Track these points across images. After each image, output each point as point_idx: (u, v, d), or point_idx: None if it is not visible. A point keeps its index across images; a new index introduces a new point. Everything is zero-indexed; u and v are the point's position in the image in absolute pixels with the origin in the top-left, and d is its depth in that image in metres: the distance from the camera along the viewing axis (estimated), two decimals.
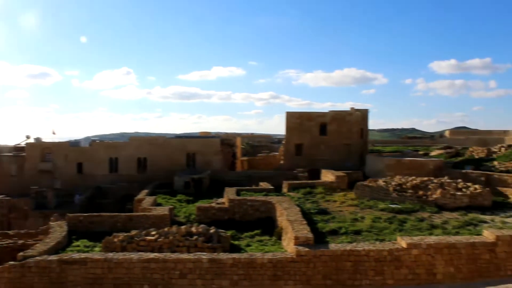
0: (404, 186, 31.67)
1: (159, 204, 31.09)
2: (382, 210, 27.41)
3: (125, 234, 20.96)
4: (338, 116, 54.86)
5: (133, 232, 21.17)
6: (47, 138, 56.90)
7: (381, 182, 33.24)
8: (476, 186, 30.95)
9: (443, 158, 52.70)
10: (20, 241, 23.69)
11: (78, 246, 21.75)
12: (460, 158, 54.13)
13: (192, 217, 28.00)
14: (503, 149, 54.16)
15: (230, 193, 30.56)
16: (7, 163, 49.04)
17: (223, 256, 17.50)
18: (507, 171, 39.01)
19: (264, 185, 37.49)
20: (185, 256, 17.62)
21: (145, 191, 36.41)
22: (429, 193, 29.94)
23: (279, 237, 22.39)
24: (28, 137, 54.82)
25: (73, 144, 51.66)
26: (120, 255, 17.86)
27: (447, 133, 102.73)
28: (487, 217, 25.58)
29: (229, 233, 22.62)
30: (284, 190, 36.68)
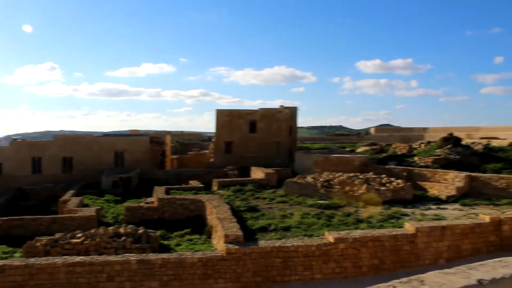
0: (331, 182, 32.50)
1: (86, 205, 30.11)
2: (310, 206, 27.97)
3: (49, 237, 20.08)
4: (267, 114, 55.47)
5: (58, 235, 20.30)
6: None
7: (309, 178, 33.94)
8: (399, 181, 32.32)
9: (368, 154, 54.64)
10: None
11: None
12: (384, 154, 56.23)
13: (120, 217, 27.34)
14: (422, 145, 56.89)
15: (159, 192, 30.11)
16: None
17: (152, 256, 17.17)
18: (426, 166, 41.04)
19: (194, 183, 37.26)
20: (112, 258, 17.11)
21: (71, 192, 35.14)
22: (355, 188, 30.91)
23: (209, 236, 22.30)
24: None
25: None
26: (42, 260, 17.05)
27: (372, 130, 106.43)
28: (408, 210, 26.78)
29: (158, 232, 22.26)
30: (214, 188, 36.62)
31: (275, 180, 38.38)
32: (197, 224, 24.97)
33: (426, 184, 35.75)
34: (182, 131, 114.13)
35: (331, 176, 34.12)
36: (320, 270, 17.58)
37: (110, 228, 21.02)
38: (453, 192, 31.90)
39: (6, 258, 19.29)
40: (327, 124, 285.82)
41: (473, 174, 34.99)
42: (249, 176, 43.77)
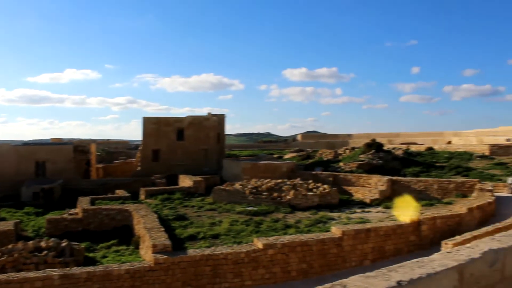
0: (259, 189, 32.78)
1: (3, 219, 28.50)
2: (239, 213, 28.05)
3: None
4: (195, 121, 55.21)
5: None
6: None
7: (237, 185, 34.06)
8: (325, 186, 33.13)
9: (295, 160, 55.67)
10: None
11: None
12: (311, 160, 57.51)
13: (42, 230, 26.09)
14: (347, 151, 58.76)
15: (84, 202, 29.09)
16: None
17: (76, 270, 16.51)
18: (351, 171, 42.43)
19: (120, 192, 36.30)
20: (32, 274, 16.26)
21: None
22: (283, 194, 31.35)
23: (137, 246, 21.80)
24: None
25: None
26: None
27: (299, 137, 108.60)
28: (334, 215, 27.51)
29: (83, 245, 21.46)
30: (142, 197, 35.91)
31: (203, 188, 38.19)
32: (124, 235, 24.32)
33: (351, 189, 36.90)
34: (108, 139, 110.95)
35: (259, 182, 34.41)
36: (250, 277, 17.65)
37: (30, 242, 20.01)
38: (377, 196, 33.15)
39: None
40: (255, 131, 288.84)
41: (394, 178, 36.54)
42: (177, 184, 43.25)
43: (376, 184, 35.83)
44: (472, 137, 79.94)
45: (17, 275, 16.09)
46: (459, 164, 49.91)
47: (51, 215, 28.31)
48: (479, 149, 59.70)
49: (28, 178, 43.58)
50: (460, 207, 23.99)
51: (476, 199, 26.69)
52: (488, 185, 31.98)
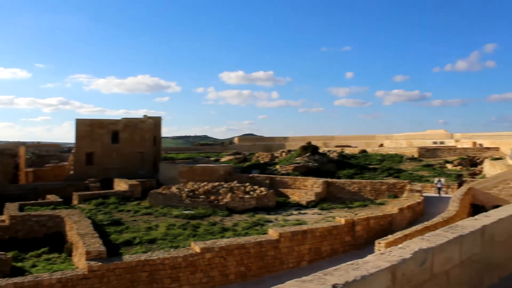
0: (197, 192, 32.56)
1: None
2: (176, 217, 27.73)
3: None
4: (130, 124, 54.11)
5: None
6: None
7: (174, 189, 33.67)
8: (262, 188, 33.37)
9: (232, 163, 55.73)
10: None
11: None
12: (247, 163, 57.81)
13: None
14: (284, 154, 59.51)
15: (11, 209, 27.75)
16: None
17: (2, 282, 15.70)
18: (288, 174, 42.98)
19: (52, 198, 34.93)
20: None
21: None
22: (220, 197, 31.28)
23: (70, 254, 21.04)
24: None
25: None
26: None
27: (236, 140, 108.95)
28: (271, 217, 27.75)
29: (10, 254, 20.41)
30: (75, 202, 34.76)
31: (139, 192, 37.50)
32: (56, 242, 23.40)
33: (288, 191, 37.37)
34: (38, 142, 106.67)
35: (196, 186, 34.19)
36: (188, 281, 17.47)
37: None
38: (313, 198, 33.74)
39: None
40: (192, 134, 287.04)
41: (329, 180, 37.37)
42: (112, 188, 42.22)
43: (312, 186, 36.47)
44: (402, 140, 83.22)
45: None
46: (390, 166, 51.79)
47: None
48: (409, 152, 62.27)
49: None
50: (392, 208, 24.87)
51: (407, 200, 27.77)
52: (417, 185, 33.38)
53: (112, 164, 50.85)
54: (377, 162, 56.44)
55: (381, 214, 23.21)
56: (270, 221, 26.31)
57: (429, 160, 57.35)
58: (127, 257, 17.45)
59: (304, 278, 2.53)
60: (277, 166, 49.18)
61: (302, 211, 30.00)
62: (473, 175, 44.88)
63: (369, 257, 3.21)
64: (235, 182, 36.07)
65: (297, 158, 51.25)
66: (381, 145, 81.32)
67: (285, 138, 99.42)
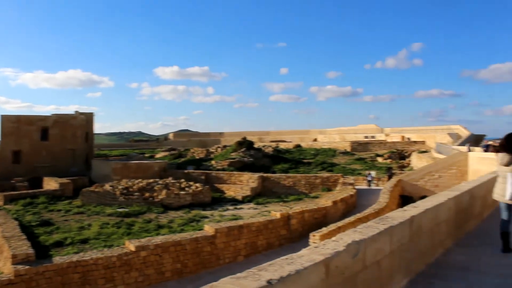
0: (131, 189, 31.92)
1: None
2: (109, 215, 27.05)
3: None
4: (61, 120, 52.22)
5: None
6: None
7: (107, 186, 32.84)
8: (198, 184, 33.20)
9: (167, 159, 55.05)
10: None
11: None
12: (183, 159, 57.31)
13: None
14: (219, 149, 59.47)
15: None
16: None
17: None
18: (223, 169, 43.00)
19: None
20: None
21: None
22: (155, 194, 30.84)
23: None
24: None
25: None
26: None
27: (171, 136, 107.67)
28: (207, 213, 27.68)
29: None
30: (0, 203, 33.10)
31: (70, 190, 36.26)
32: None
33: (224, 186, 37.39)
34: None
35: (130, 183, 33.51)
36: (123, 281, 17.10)
37: None
38: (248, 193, 33.93)
39: None
40: (126, 130, 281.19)
41: (265, 174, 37.72)
42: (41, 187, 40.55)
43: (247, 181, 36.67)
44: (335, 135, 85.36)
45: None
46: (324, 160, 53.00)
47: None
48: (342, 146, 64.02)
49: None
50: (325, 201, 25.43)
51: (340, 192, 28.50)
52: (350, 179, 34.35)
53: (42, 162, 48.86)
54: (311, 156, 57.56)
55: (315, 207, 23.67)
56: (206, 217, 26.23)
57: (361, 154, 59.20)
58: (57, 259, 16.81)
59: (238, 274, 2.51)
60: (213, 162, 49.07)
61: (238, 206, 30.13)
62: (402, 167, 46.76)
63: (303, 251, 3.24)
64: (170, 178, 35.66)
65: (232, 154, 51.35)
66: (315, 140, 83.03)
67: (221, 134, 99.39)
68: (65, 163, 49.88)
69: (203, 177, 38.83)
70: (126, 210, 27.97)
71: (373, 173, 38.51)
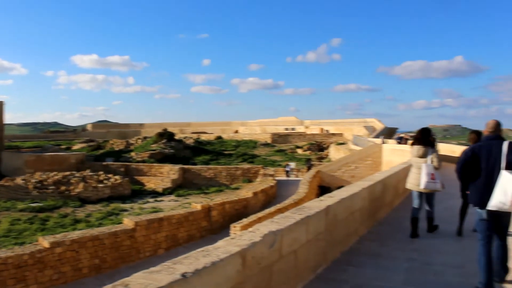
0: (45, 183, 30.56)
1: None
2: (22, 210, 25.74)
3: None
4: None
5: None
6: None
7: (19, 180, 31.23)
8: (117, 177, 32.41)
9: (85, 151, 53.19)
10: None
11: None
12: (101, 151, 55.64)
13: None
14: (139, 140, 58.31)
15: None
16: None
17: None
18: (143, 161, 42.21)
19: None
20: None
21: None
22: (71, 187, 29.74)
23: None
24: None
25: None
26: None
27: (89, 127, 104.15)
28: (127, 206, 27.11)
29: None
30: None
31: None
32: None
33: (144, 179, 36.75)
34: None
35: (44, 176, 32.06)
36: (35, 280, 16.34)
37: None
38: (169, 185, 33.59)
39: None
40: (41, 121, 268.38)
41: (185, 166, 37.47)
42: None
43: (168, 173, 36.27)
44: (257, 127, 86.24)
45: None
46: (245, 151, 53.44)
47: None
48: (263, 138, 64.82)
49: None
50: (246, 192, 25.67)
51: (260, 184, 28.89)
52: (270, 170, 34.91)
53: None
54: (232, 148, 57.83)
55: (236, 198, 23.84)
56: (126, 210, 25.70)
57: (281, 146, 60.27)
58: None
59: (152, 269, 2.46)
60: (133, 154, 48.00)
61: (159, 199, 29.76)
62: (321, 159, 48.12)
63: (220, 243, 3.24)
64: (88, 171, 34.51)
65: (153, 145, 50.52)
66: (237, 132, 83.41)
67: (141, 125, 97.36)
68: None
69: (122, 169, 37.93)
70: (40, 204, 26.74)
71: (292, 164, 39.31)
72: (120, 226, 19.22)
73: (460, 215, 7.87)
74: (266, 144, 60.89)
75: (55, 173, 33.06)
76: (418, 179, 7.57)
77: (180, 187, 33.67)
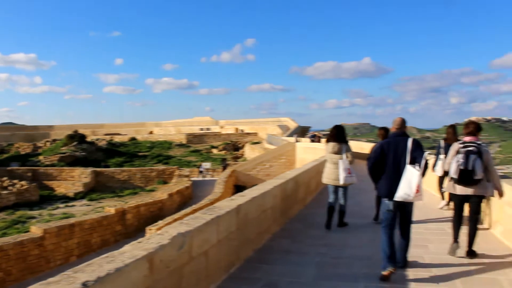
0: None
1: None
2: None
3: None
4: None
5: None
6: None
7: None
8: (23, 182, 30.74)
9: None
10: None
11: None
12: (5, 155, 52.63)
13: None
14: (48, 143, 55.75)
15: None
16: None
17: None
18: (53, 165, 40.37)
19: None
20: None
21: None
22: None
23: None
24: None
25: None
26: None
27: None
28: (35, 212, 25.78)
29: None
30: None
31: None
32: None
33: (53, 183, 35.13)
34: None
35: None
36: None
37: None
38: (81, 189, 32.39)
39: None
40: None
41: (98, 169, 36.27)
42: None
43: (79, 177, 34.96)
44: (171, 127, 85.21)
45: None
46: (160, 152, 52.68)
47: None
48: (178, 138, 64.19)
49: None
50: (161, 194, 25.31)
51: (176, 185, 28.61)
52: (186, 171, 34.68)
53: None
54: (146, 149, 56.78)
55: (151, 200, 23.46)
56: (34, 217, 24.44)
57: (197, 146, 59.98)
58: None
59: (50, 279, 2.36)
60: (41, 157, 45.73)
61: (70, 204, 28.61)
62: (236, 158, 48.46)
63: (126, 247, 3.17)
64: None
65: (63, 148, 48.42)
66: (151, 133, 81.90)
67: (50, 127, 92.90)
68: None
69: (29, 174, 36.01)
70: None
71: (206, 164, 39.27)
72: (27, 235, 18.25)
73: (376, 203, 8.43)
74: (181, 145, 60.35)
75: None
76: (334, 174, 7.96)
77: (93, 191, 32.54)
